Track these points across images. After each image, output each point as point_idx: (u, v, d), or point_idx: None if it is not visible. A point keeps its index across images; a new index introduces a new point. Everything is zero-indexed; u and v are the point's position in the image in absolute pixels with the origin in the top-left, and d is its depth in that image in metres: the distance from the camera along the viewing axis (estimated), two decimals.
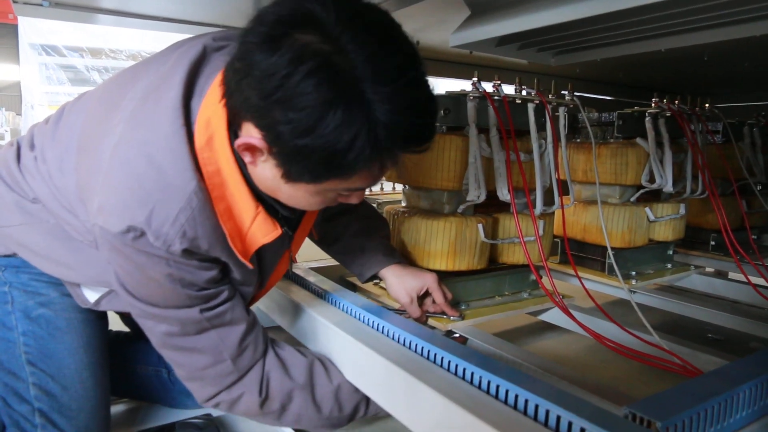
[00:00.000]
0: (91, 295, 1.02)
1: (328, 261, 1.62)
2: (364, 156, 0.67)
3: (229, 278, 0.90)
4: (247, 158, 0.76)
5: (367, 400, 1.02)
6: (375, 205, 2.49)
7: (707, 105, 1.72)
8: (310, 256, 1.66)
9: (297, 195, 0.79)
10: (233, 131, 0.77)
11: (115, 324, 1.27)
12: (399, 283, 1.15)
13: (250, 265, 0.85)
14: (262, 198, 0.84)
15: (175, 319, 0.85)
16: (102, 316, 1.11)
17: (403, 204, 1.37)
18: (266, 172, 0.76)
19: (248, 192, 0.81)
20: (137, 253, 0.78)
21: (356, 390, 1.00)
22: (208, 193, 0.78)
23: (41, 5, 1.26)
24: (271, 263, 1.00)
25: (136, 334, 1.29)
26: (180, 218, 0.75)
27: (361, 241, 1.18)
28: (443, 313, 1.17)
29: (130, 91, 0.84)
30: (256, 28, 0.67)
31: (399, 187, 1.43)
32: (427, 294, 1.17)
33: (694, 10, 0.89)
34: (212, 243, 0.80)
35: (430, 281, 1.14)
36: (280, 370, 0.96)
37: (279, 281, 1.41)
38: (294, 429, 1.07)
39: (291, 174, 0.73)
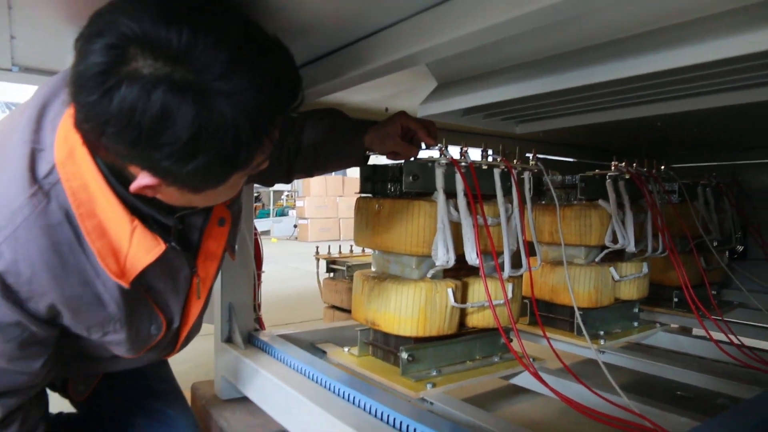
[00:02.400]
0: None
1: (297, 327, 1.60)
2: (253, 144, 0.67)
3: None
4: (148, 193, 0.73)
5: None
6: (344, 269, 2.51)
7: (663, 167, 1.79)
8: (278, 321, 1.63)
9: (212, 197, 0.78)
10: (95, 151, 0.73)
11: (64, 405, 1.21)
12: (381, 139, 1.16)
13: (125, 285, 0.78)
14: (139, 210, 0.80)
15: None
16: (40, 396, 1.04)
17: (373, 269, 1.36)
18: (173, 194, 0.74)
19: (120, 205, 0.77)
20: None
21: None
22: (58, 210, 0.73)
23: (10, 70, 1.26)
24: (173, 292, 0.93)
25: (86, 416, 1.23)
26: None
27: (330, 142, 1.19)
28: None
29: None
30: (83, 79, 0.63)
31: (369, 249, 1.43)
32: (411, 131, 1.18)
33: (646, 86, 0.94)
34: (38, 270, 0.73)
35: (401, 118, 1.16)
36: None
37: (244, 351, 1.38)
38: None
39: (197, 188, 0.72)
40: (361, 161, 1.23)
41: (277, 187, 12.37)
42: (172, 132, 0.61)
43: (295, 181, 14.95)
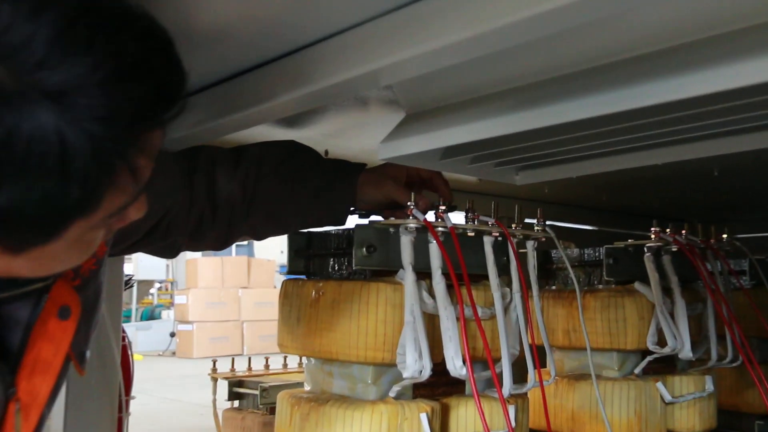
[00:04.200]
0: None
1: None
2: (95, 173, 0.65)
3: None
4: None
5: None
6: (257, 393, 2.49)
7: (725, 236, 1.87)
8: None
9: (42, 261, 0.75)
10: None
11: None
12: (376, 183, 1.30)
13: None
14: None
15: None
16: None
17: (307, 387, 1.39)
18: None
19: None
20: None
21: None
22: None
23: None
24: None
25: None
26: None
27: (304, 192, 1.27)
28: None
29: None
30: None
31: (293, 359, 1.44)
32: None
33: (700, 115, 0.99)
34: None
35: (390, 189, 1.29)
36: None
37: None
38: None
39: (14, 246, 0.70)
40: (344, 216, 1.32)
41: (144, 273, 11.99)
42: None
43: (174, 267, 14.52)
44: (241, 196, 1.26)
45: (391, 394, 1.28)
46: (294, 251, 1.38)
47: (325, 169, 1.30)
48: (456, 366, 1.24)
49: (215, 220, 1.26)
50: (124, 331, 1.66)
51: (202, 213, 1.25)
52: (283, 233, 1.37)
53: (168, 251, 1.33)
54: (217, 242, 1.32)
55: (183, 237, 1.27)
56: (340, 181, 1.29)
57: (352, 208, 1.33)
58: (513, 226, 1.39)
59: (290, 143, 1.36)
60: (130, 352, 1.72)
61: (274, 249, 11.23)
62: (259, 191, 1.27)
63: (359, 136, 1.48)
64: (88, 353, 1.05)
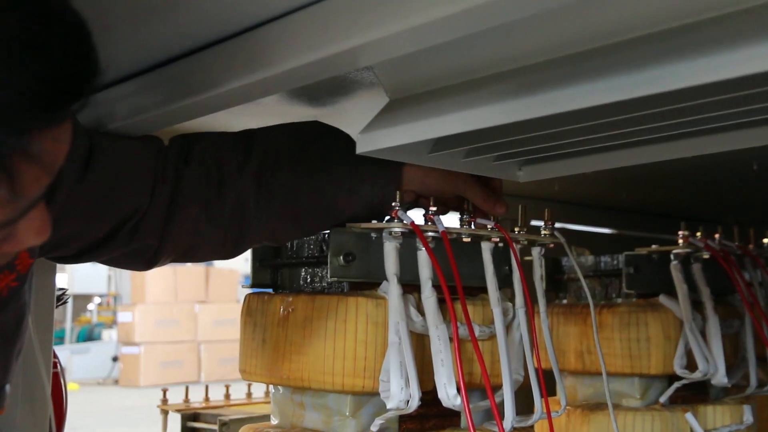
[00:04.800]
0: None
1: None
2: None
3: None
4: None
5: None
6: (216, 427, 2.48)
7: (765, 240, 1.89)
8: None
9: None
10: None
11: None
12: (440, 174, 1.33)
13: None
14: None
15: None
16: None
17: (274, 420, 1.39)
18: None
19: None
20: None
21: None
22: None
23: None
24: None
25: None
26: None
27: (333, 183, 1.29)
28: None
29: None
30: None
31: (258, 388, 1.43)
32: None
33: (737, 100, 0.98)
34: None
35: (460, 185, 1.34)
36: None
37: None
38: None
39: None
40: (386, 212, 1.32)
41: (81, 286, 11.88)
42: None
43: (117, 279, 14.41)
44: (254, 192, 1.26)
45: (373, 428, 1.28)
46: (259, 260, 1.38)
47: (361, 156, 1.29)
48: (449, 395, 1.24)
49: (219, 221, 1.26)
50: (56, 356, 1.64)
51: (196, 214, 1.24)
52: (309, 235, 1.36)
53: (138, 261, 1.30)
54: (224, 248, 1.32)
55: (159, 241, 1.25)
56: (380, 169, 1.29)
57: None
58: (516, 229, 1.39)
59: (312, 124, 1.36)
60: (62, 381, 1.71)
61: (237, 257, 11.04)
62: (278, 184, 1.27)
63: (334, 125, 1.48)
64: (8, 387, 1.05)
